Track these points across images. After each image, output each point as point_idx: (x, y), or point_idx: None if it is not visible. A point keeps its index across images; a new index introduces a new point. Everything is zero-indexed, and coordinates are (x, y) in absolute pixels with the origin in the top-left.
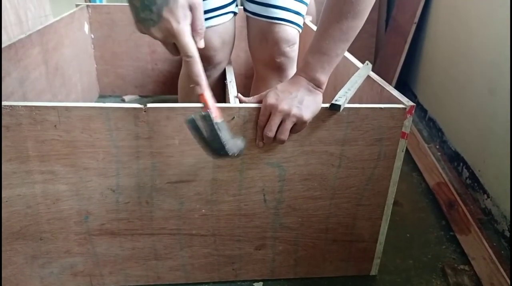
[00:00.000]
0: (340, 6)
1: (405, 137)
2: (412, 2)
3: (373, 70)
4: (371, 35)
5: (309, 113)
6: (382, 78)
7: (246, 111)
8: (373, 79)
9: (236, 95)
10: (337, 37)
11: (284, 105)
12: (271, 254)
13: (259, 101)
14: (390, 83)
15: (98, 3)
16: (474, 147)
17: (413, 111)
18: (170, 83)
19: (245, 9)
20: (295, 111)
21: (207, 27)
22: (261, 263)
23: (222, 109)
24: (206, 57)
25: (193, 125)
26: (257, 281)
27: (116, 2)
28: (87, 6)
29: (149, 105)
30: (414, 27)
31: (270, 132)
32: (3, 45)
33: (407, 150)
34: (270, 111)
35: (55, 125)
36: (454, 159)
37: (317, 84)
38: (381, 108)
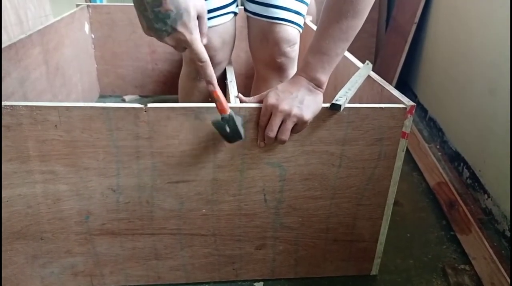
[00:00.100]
0: (340, 6)
1: (406, 137)
2: (412, 2)
3: (373, 70)
4: (371, 35)
5: (309, 113)
6: (383, 78)
7: (246, 111)
8: (373, 79)
9: (236, 95)
10: (337, 36)
11: (284, 106)
12: (272, 254)
13: (260, 101)
14: (390, 83)
15: (98, 3)
16: (474, 146)
17: (413, 111)
18: (170, 83)
19: (245, 9)
20: (295, 111)
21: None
22: (262, 263)
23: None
24: None
25: (220, 125)
26: (258, 281)
27: (116, 2)
28: (88, 6)
29: (149, 105)
30: (414, 27)
31: (271, 132)
32: (3, 45)
33: (407, 149)
34: (271, 111)
35: (55, 125)
36: (455, 159)
37: (318, 84)
38: (381, 108)
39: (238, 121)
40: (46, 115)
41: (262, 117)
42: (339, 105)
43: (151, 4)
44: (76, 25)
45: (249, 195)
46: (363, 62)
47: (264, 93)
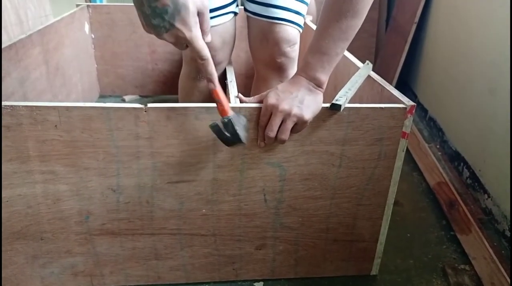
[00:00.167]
0: (339, 5)
1: (406, 137)
2: (412, 2)
3: (373, 70)
4: (371, 35)
5: (309, 113)
6: (383, 78)
7: (246, 111)
8: (373, 79)
9: (236, 95)
10: (336, 36)
11: (284, 105)
12: (272, 254)
13: (260, 101)
14: (390, 83)
15: (98, 3)
16: (474, 146)
17: (413, 111)
18: (171, 83)
19: (245, 9)
20: (295, 111)
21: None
22: (262, 263)
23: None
24: None
25: (217, 130)
26: (258, 281)
27: (116, 2)
28: (88, 6)
29: (149, 105)
30: (414, 27)
31: (271, 132)
32: (3, 45)
33: (407, 149)
34: (271, 111)
35: (55, 125)
36: (455, 159)
37: (318, 84)
38: (381, 108)
39: (241, 123)
40: (46, 116)
41: (262, 117)
42: (339, 105)
43: None
44: (76, 25)
45: (249, 195)
46: (363, 62)
47: (264, 93)
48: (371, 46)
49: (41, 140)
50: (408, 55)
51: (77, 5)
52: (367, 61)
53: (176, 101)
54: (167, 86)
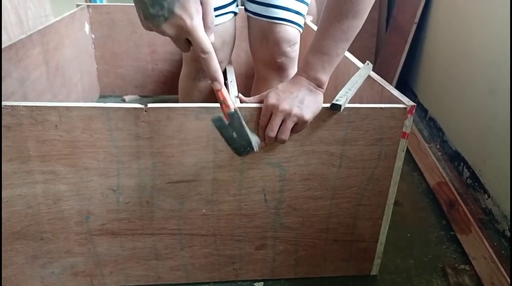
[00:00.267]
0: (340, 6)
1: (406, 137)
2: (412, 2)
3: (373, 70)
4: (372, 35)
5: (310, 113)
6: (383, 78)
7: (247, 111)
8: (373, 79)
9: (237, 95)
10: (337, 36)
11: (285, 105)
12: (272, 254)
13: (260, 101)
14: (390, 83)
15: (98, 3)
16: (474, 146)
17: (413, 111)
18: (171, 83)
19: (246, 9)
20: (296, 111)
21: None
22: (262, 263)
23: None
24: None
25: (220, 124)
26: (258, 281)
27: (116, 2)
28: (88, 6)
29: (149, 105)
30: (414, 27)
31: (272, 132)
32: (3, 45)
33: (407, 149)
34: (271, 111)
35: (55, 126)
36: (455, 159)
37: (318, 84)
38: (381, 108)
39: (247, 127)
40: (46, 116)
41: (262, 117)
42: (339, 105)
43: None
44: (76, 25)
45: (249, 195)
46: (363, 62)
47: (265, 93)
48: (371, 46)
49: (41, 141)
50: (408, 55)
51: (77, 5)
52: (367, 61)
53: (176, 101)
54: (167, 86)
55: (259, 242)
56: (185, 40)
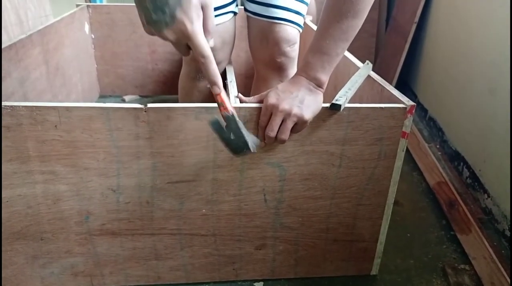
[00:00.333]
0: (340, 6)
1: (406, 137)
2: (412, 1)
3: (373, 70)
4: (371, 35)
5: (309, 113)
6: (383, 78)
7: (246, 111)
8: (373, 79)
9: (236, 95)
10: (337, 36)
11: (285, 105)
12: (272, 254)
13: (260, 101)
14: (390, 83)
15: (98, 3)
16: (474, 146)
17: (413, 111)
18: (171, 83)
19: (245, 9)
20: (296, 111)
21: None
22: (262, 263)
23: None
24: None
25: (217, 127)
26: (258, 281)
27: (116, 2)
28: (88, 6)
29: (149, 105)
30: (414, 27)
31: (272, 132)
32: (3, 45)
33: (407, 149)
34: (271, 111)
35: (55, 126)
36: (455, 159)
37: (318, 84)
38: (381, 108)
39: (244, 129)
40: (46, 116)
41: (262, 117)
42: (339, 105)
43: None
44: (76, 25)
45: (249, 195)
46: (363, 62)
47: (264, 93)
48: (371, 46)
49: (41, 141)
50: (408, 55)
51: (77, 5)
52: (367, 61)
53: (176, 101)
54: (167, 86)
55: (259, 242)
56: (185, 44)
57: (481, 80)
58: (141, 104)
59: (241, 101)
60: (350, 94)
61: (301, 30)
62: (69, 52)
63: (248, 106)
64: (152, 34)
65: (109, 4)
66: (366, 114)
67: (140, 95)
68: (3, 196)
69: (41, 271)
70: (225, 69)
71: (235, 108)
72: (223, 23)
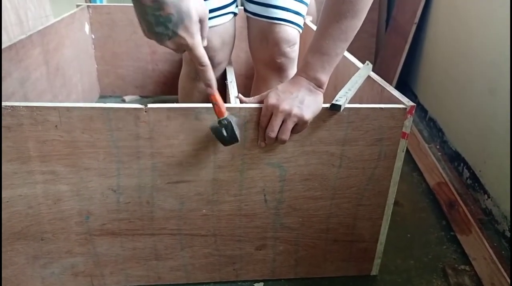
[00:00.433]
0: (339, 6)
1: (406, 137)
2: (412, 2)
3: (373, 70)
4: (371, 35)
5: (310, 113)
6: (383, 79)
7: (246, 112)
8: (373, 79)
9: (236, 95)
10: (336, 36)
11: (285, 106)
12: (272, 254)
13: (260, 102)
14: (390, 83)
15: (98, 3)
16: (474, 147)
17: (413, 112)
18: (171, 83)
19: (245, 10)
20: (296, 111)
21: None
22: (262, 263)
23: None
24: None
25: (218, 131)
26: (258, 281)
27: (116, 3)
28: (88, 6)
29: (149, 105)
30: (414, 27)
31: (272, 132)
32: (3, 46)
33: (407, 150)
34: (271, 111)
35: (56, 126)
36: (455, 159)
37: (318, 84)
38: (381, 108)
39: (235, 123)
40: (47, 116)
41: (262, 117)
42: (339, 106)
43: (152, 8)
44: (76, 26)
45: (249, 195)
46: (363, 62)
47: (265, 93)
48: (371, 46)
49: (42, 141)
50: (408, 55)
51: (77, 6)
52: (367, 62)
53: (176, 101)
54: (167, 87)
55: (259, 242)
56: (183, 49)
57: (481, 80)
58: (141, 104)
59: (241, 102)
60: (350, 94)
61: (301, 31)
62: (70, 52)
63: (248, 106)
64: (152, 39)
65: (109, 4)
66: (366, 114)
67: (140, 96)
68: (3, 196)
69: (41, 271)
70: (225, 70)
71: (233, 108)
72: (223, 24)
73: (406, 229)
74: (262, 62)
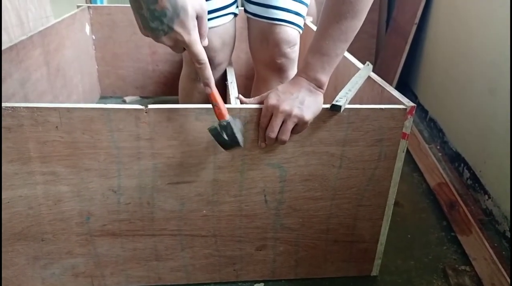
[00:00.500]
0: (339, 6)
1: (406, 138)
2: (412, 2)
3: (373, 71)
4: (372, 36)
5: (310, 113)
6: (383, 79)
7: (247, 112)
8: (373, 80)
9: (237, 96)
10: (336, 37)
11: (285, 106)
12: (272, 254)
13: (260, 102)
14: (390, 84)
15: (99, 4)
16: (474, 147)
17: (413, 112)
18: (171, 84)
19: (245, 10)
20: (296, 111)
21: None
22: (262, 264)
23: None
24: None
25: (216, 133)
26: (258, 281)
27: (117, 3)
28: (88, 7)
29: (150, 106)
30: (414, 27)
31: (272, 133)
32: (4, 47)
33: (407, 150)
34: (271, 112)
35: (56, 127)
36: (455, 159)
37: (318, 85)
38: (381, 109)
39: (237, 126)
40: (47, 117)
41: (263, 118)
42: (339, 106)
43: (147, 2)
44: (76, 26)
45: (249, 195)
46: (363, 63)
47: (265, 94)
48: (371, 47)
49: (42, 142)
50: (408, 56)
51: (78, 6)
52: (367, 62)
53: (177, 102)
54: (167, 87)
55: (260, 242)
56: (182, 47)
57: (481, 81)
58: (141, 105)
59: (241, 103)
60: (351, 95)
61: (301, 31)
62: (70, 53)
63: (248, 107)
64: (148, 36)
65: (110, 5)
66: (366, 115)
67: (140, 96)
68: (4, 196)
69: (42, 272)
70: (225, 71)
71: (233, 109)
72: (223, 24)
73: (406, 230)
74: (262, 63)
